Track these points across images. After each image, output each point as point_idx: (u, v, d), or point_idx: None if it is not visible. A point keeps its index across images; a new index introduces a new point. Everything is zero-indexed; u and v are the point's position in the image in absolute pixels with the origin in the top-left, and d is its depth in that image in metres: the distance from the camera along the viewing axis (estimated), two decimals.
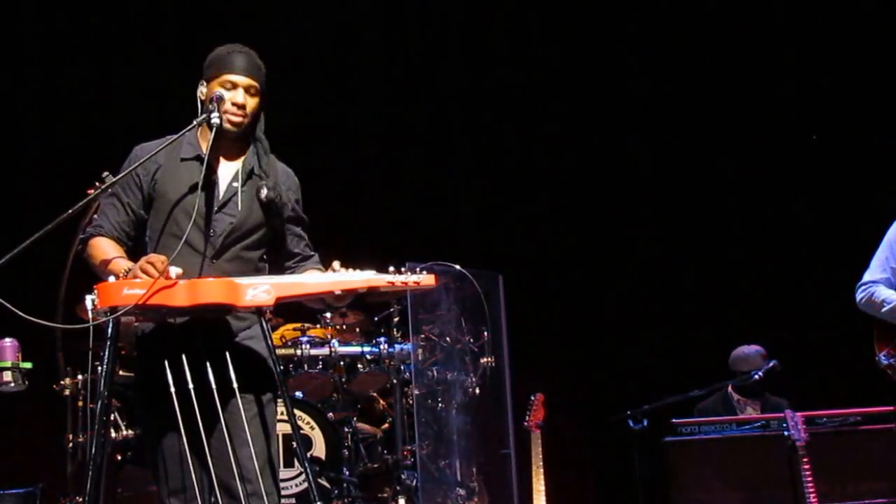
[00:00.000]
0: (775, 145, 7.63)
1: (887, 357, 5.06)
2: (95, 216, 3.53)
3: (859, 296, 5.11)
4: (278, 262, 3.65)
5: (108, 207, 3.54)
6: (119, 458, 5.76)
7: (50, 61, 7.25)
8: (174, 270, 3.28)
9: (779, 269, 7.52)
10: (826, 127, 7.48)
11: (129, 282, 3.25)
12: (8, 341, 4.07)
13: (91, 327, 3.27)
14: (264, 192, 3.53)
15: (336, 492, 5.85)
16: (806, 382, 6.68)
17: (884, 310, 5.01)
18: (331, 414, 6.07)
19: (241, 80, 3.50)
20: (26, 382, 4.04)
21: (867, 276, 5.10)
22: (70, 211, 3.32)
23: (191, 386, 3.32)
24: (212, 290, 3.28)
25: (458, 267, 5.89)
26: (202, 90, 3.54)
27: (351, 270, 3.39)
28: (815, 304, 6.99)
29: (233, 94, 3.49)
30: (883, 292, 5.04)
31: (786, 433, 4.93)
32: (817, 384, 6.72)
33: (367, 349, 6.22)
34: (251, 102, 3.52)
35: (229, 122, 3.49)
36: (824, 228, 7.28)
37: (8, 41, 7.20)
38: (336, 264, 3.42)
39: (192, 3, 7.43)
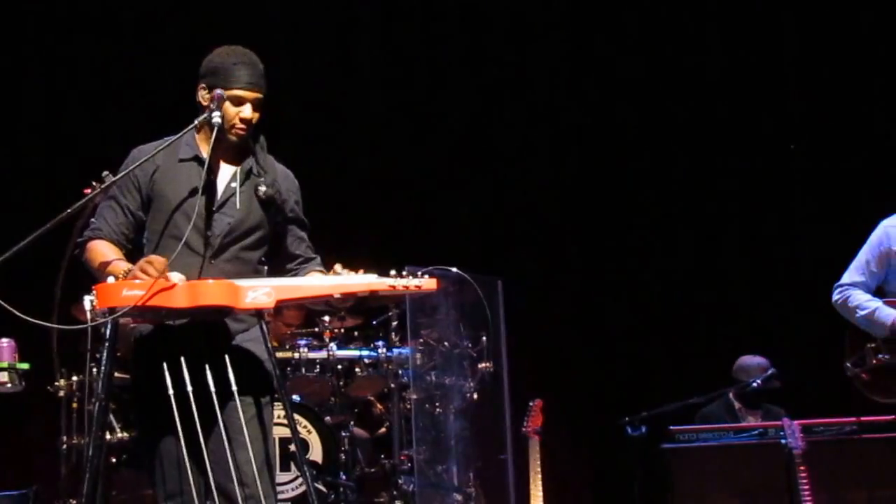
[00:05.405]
0: (782, 153, 7.60)
1: (854, 365, 5.09)
2: (93, 219, 3.50)
3: (835, 297, 5.19)
4: (279, 264, 3.64)
5: (105, 210, 3.51)
6: (114, 460, 5.73)
7: (50, 59, 7.23)
8: (176, 276, 3.25)
9: (780, 277, 7.49)
10: (834, 134, 7.45)
11: (128, 283, 3.22)
12: (5, 341, 4.04)
13: (89, 328, 3.25)
14: (262, 188, 3.52)
15: (333, 496, 5.84)
16: (806, 391, 6.66)
17: (858, 314, 5.09)
18: (328, 418, 6.06)
19: (249, 94, 3.47)
20: (23, 383, 4.02)
21: (845, 278, 5.18)
22: (69, 211, 3.30)
23: (189, 389, 3.30)
24: (212, 291, 3.26)
25: (455, 270, 5.86)
26: (203, 94, 3.49)
27: (353, 273, 3.38)
28: (816, 312, 6.95)
29: (240, 109, 3.46)
30: (858, 297, 5.11)
31: (783, 441, 4.89)
32: (817, 393, 6.69)
33: (365, 353, 6.22)
34: (256, 115, 3.51)
35: (236, 135, 3.48)
36: (828, 237, 7.25)
37: (9, 41, 7.17)
38: (338, 267, 3.42)
39: (192, 1, 7.41)
